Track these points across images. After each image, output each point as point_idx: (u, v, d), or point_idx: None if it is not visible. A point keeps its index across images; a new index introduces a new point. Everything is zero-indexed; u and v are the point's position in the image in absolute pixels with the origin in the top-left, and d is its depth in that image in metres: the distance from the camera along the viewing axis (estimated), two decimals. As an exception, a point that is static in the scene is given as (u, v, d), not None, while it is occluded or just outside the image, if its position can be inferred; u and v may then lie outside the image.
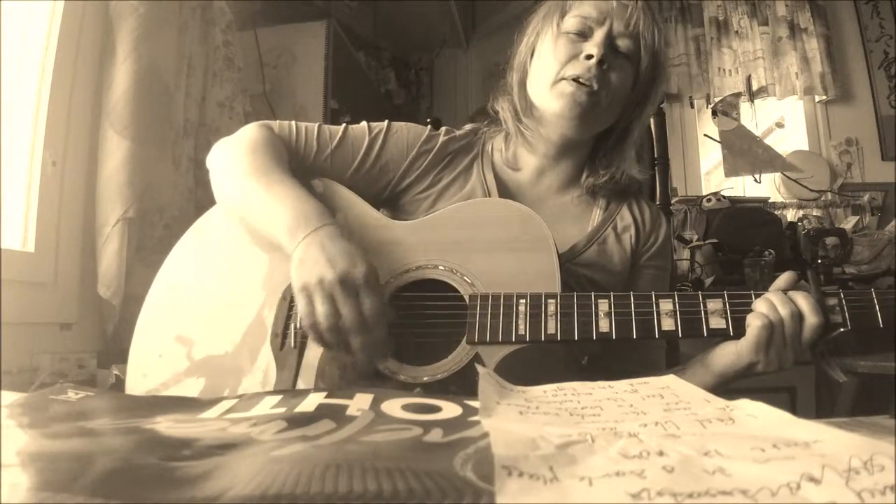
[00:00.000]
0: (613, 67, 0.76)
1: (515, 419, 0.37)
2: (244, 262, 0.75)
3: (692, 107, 2.88)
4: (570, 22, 0.77)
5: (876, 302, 0.61)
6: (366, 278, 0.62)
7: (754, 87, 2.78)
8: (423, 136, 0.83)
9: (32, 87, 1.20)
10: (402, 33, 2.69)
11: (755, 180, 2.49)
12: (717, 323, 0.63)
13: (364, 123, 0.83)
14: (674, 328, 0.62)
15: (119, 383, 0.98)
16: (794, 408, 1.97)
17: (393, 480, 0.26)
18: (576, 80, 0.75)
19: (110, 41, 1.30)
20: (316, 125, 0.82)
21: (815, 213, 2.55)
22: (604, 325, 0.63)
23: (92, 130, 1.30)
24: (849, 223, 2.39)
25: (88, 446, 0.33)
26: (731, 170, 2.43)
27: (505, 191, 0.83)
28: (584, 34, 0.77)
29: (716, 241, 2.11)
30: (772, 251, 2.01)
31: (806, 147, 2.75)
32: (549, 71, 0.77)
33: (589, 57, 0.74)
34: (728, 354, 0.65)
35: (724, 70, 2.84)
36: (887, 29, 2.77)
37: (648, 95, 0.81)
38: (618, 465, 0.27)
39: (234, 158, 0.76)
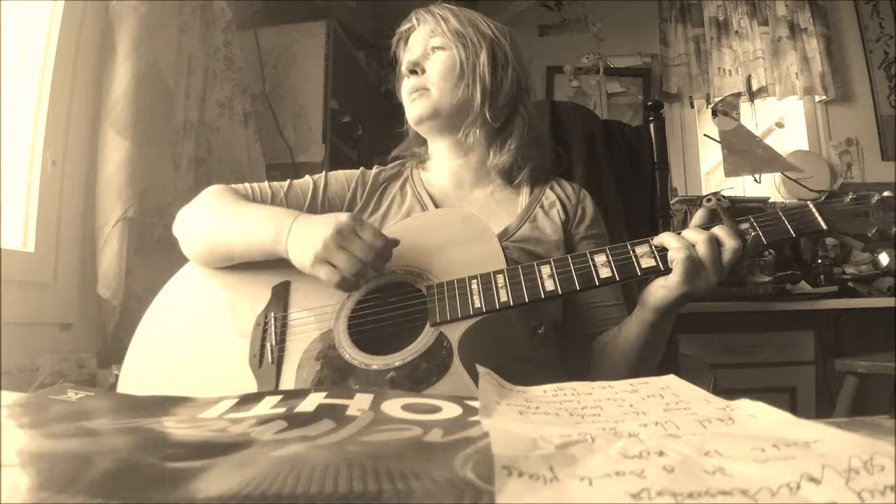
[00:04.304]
0: (429, 64, 0.92)
1: (515, 419, 0.37)
2: (223, 317, 0.80)
3: (692, 107, 2.88)
4: (404, 64, 0.95)
5: (783, 216, 0.68)
6: (352, 219, 0.71)
7: (754, 87, 2.78)
8: (357, 173, 0.98)
9: (32, 87, 1.20)
10: (402, 33, 2.69)
11: (755, 180, 2.49)
12: (647, 262, 0.69)
13: (307, 176, 0.97)
14: (611, 274, 0.68)
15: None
16: (794, 408, 1.98)
17: (393, 480, 0.26)
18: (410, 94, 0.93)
19: (110, 41, 1.30)
20: (265, 182, 0.95)
21: (815, 213, 2.54)
22: (549, 285, 0.69)
23: (92, 130, 1.30)
24: (849, 223, 2.39)
25: (88, 446, 0.33)
26: (731, 170, 2.43)
27: (435, 200, 0.95)
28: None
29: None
30: (772, 251, 2.01)
31: (806, 147, 2.75)
32: (403, 101, 0.97)
33: (406, 75, 0.94)
34: (659, 290, 0.71)
35: (724, 70, 2.84)
36: (887, 29, 2.77)
37: (476, 68, 0.91)
38: (618, 465, 0.27)
39: (202, 209, 0.86)
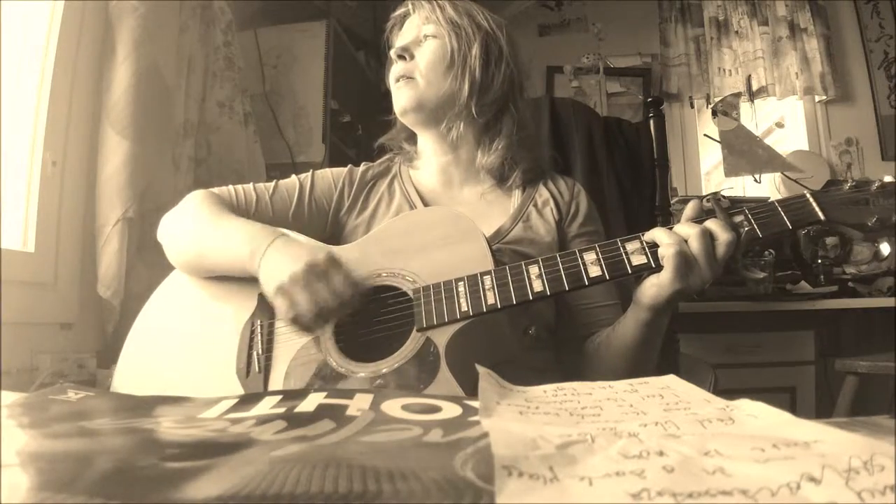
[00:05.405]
0: (419, 51, 0.90)
1: (515, 419, 0.37)
2: (210, 325, 0.79)
3: (692, 107, 2.88)
4: (394, 49, 0.92)
5: (779, 208, 0.66)
6: (328, 261, 0.68)
7: (754, 87, 2.78)
8: (344, 171, 0.96)
9: (32, 87, 1.20)
10: (402, 33, 2.70)
11: (755, 180, 2.49)
12: (638, 260, 0.66)
13: (293, 176, 0.95)
14: (600, 273, 0.66)
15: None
16: (794, 408, 1.97)
17: (393, 480, 0.26)
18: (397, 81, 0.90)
19: (110, 41, 1.30)
20: (251, 184, 0.92)
21: (815, 213, 2.54)
22: (537, 286, 0.66)
23: (92, 130, 1.30)
24: (849, 223, 2.38)
25: (88, 446, 0.33)
26: (731, 170, 2.43)
27: (424, 199, 0.93)
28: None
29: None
30: (772, 251, 2.01)
31: (806, 147, 2.75)
32: (390, 87, 0.93)
33: (394, 60, 0.91)
34: (651, 287, 0.68)
35: (724, 70, 2.84)
36: (887, 29, 2.77)
37: (467, 60, 0.89)
38: (618, 465, 0.27)
39: (183, 218, 0.84)
